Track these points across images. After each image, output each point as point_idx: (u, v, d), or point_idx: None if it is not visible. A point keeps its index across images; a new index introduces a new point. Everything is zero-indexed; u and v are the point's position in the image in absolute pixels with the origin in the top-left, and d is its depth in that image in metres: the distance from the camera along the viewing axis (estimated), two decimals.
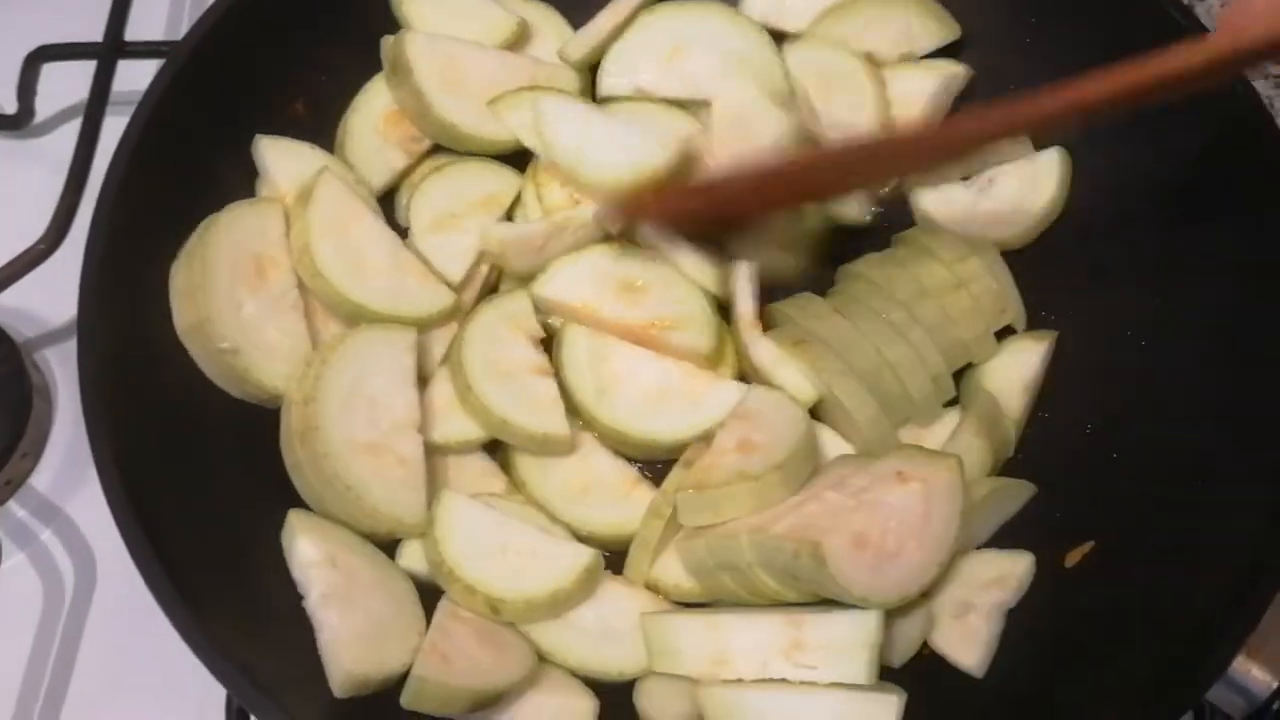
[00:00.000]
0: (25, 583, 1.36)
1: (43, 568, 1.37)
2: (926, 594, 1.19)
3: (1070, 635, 1.19)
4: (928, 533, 1.14)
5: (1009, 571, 1.23)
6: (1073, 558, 1.24)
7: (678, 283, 1.35)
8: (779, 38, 1.47)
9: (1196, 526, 1.16)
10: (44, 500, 1.40)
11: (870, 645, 1.12)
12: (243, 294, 1.24)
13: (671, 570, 1.24)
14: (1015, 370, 1.32)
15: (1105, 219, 1.35)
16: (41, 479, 1.42)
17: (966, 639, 1.20)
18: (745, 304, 1.34)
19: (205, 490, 1.20)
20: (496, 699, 1.15)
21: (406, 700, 1.12)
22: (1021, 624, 1.22)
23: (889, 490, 1.16)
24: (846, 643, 1.13)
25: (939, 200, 1.41)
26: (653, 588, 1.24)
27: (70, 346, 1.46)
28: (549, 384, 1.30)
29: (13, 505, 1.40)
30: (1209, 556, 1.12)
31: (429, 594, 1.23)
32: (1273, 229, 1.20)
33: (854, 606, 1.13)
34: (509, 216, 1.40)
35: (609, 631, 1.21)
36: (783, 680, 1.13)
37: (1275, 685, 1.03)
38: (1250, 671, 1.04)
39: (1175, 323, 1.27)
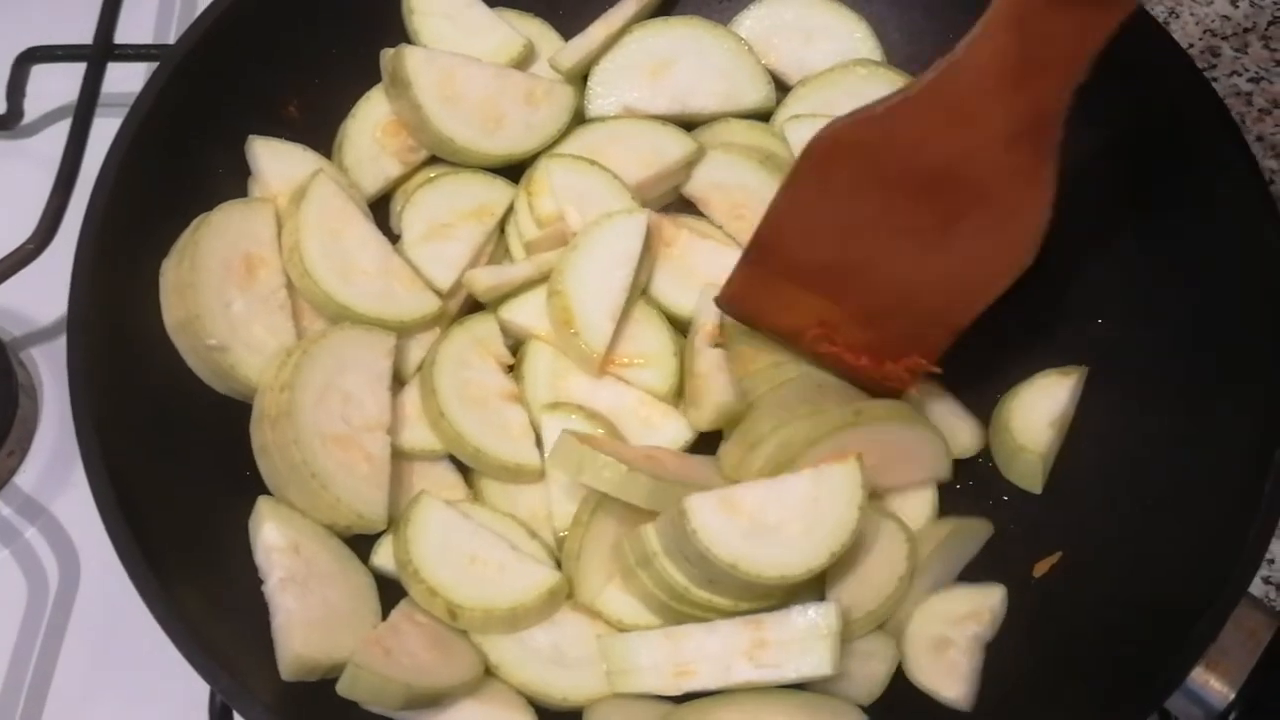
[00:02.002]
0: (9, 580, 1.37)
1: (27, 566, 1.38)
2: (883, 626, 1.21)
3: (1029, 644, 1.21)
4: (814, 515, 1.13)
5: (982, 605, 1.23)
6: (1040, 568, 1.25)
7: (645, 320, 1.33)
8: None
9: (1159, 541, 1.17)
10: (28, 499, 1.41)
11: (830, 635, 1.11)
12: (232, 292, 1.25)
13: (617, 603, 1.22)
14: (1043, 406, 1.31)
15: (1077, 258, 1.35)
16: (26, 478, 1.42)
17: (948, 673, 1.20)
18: (708, 317, 1.31)
19: (190, 486, 1.20)
20: (433, 700, 1.13)
21: (342, 687, 1.10)
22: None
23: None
24: (806, 635, 1.12)
25: None
26: (602, 617, 1.22)
27: (57, 346, 1.47)
28: (519, 412, 1.30)
29: None
30: (1170, 571, 1.14)
31: (395, 598, 1.21)
32: (1241, 263, 1.22)
33: (809, 602, 1.14)
34: (501, 227, 1.41)
35: (560, 657, 1.20)
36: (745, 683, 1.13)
37: (1232, 696, 1.05)
38: (1209, 683, 1.06)
39: (1144, 346, 1.29)
